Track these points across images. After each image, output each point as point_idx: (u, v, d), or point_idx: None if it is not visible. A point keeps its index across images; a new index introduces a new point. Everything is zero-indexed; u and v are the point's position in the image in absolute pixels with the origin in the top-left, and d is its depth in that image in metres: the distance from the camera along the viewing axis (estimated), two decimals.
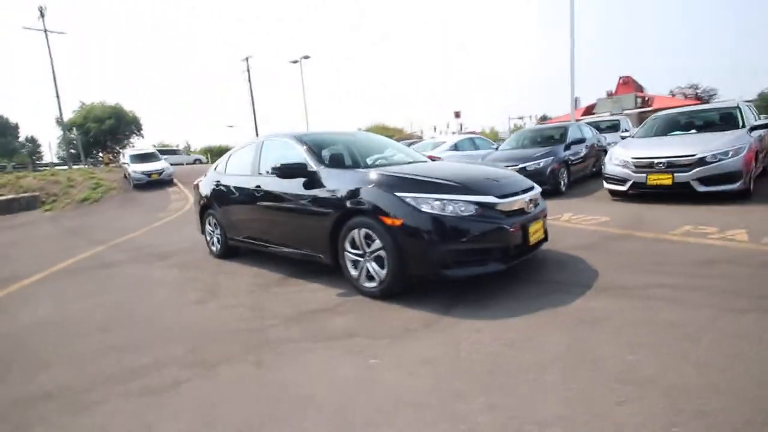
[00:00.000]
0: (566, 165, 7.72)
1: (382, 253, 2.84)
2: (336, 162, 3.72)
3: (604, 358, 1.91)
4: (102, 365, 2.36)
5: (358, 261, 3.06)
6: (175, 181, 17.05)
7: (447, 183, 2.86)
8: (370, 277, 3.00)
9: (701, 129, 6.42)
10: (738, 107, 6.39)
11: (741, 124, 5.99)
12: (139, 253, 5.69)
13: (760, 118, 6.75)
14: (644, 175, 5.68)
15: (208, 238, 5.06)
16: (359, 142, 4.40)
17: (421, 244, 2.68)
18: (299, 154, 3.69)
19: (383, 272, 2.87)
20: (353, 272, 3.11)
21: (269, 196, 3.87)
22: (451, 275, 2.66)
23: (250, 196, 4.14)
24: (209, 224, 4.98)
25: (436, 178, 2.91)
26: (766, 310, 2.25)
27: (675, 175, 5.42)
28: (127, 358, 2.42)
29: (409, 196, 2.74)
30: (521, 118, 46.84)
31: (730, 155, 5.17)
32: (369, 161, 3.96)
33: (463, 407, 1.66)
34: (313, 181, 3.40)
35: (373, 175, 3.09)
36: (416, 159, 4.12)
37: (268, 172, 4.06)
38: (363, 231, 2.95)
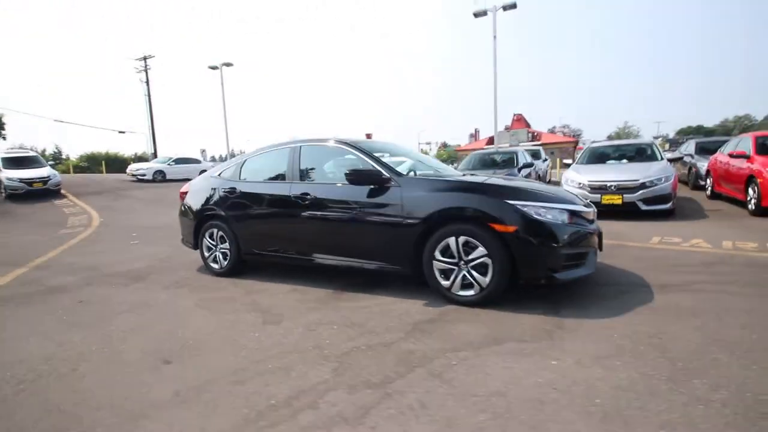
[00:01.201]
0: None
1: (486, 260, 2.88)
2: (408, 170, 3.64)
3: (736, 336, 2.25)
4: (264, 395, 1.92)
5: (451, 270, 3.04)
6: (63, 191, 14.31)
7: (542, 192, 3.06)
8: (466, 285, 3.00)
9: (629, 159, 7.88)
10: (652, 144, 8.03)
11: (659, 156, 7.54)
12: (95, 274, 4.66)
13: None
14: (599, 195, 6.71)
15: (207, 254, 4.40)
16: (399, 152, 4.40)
17: (535, 249, 2.80)
18: (362, 161, 3.54)
19: (486, 279, 2.90)
20: (444, 282, 3.06)
21: (322, 204, 3.59)
22: (561, 278, 2.82)
23: (287, 204, 3.77)
24: (209, 238, 4.35)
25: (531, 189, 3.09)
26: None
27: (624, 195, 6.54)
28: (279, 388, 2.01)
29: (519, 204, 2.86)
30: (428, 143, 50.66)
31: (663, 181, 6.46)
32: (419, 171, 3.97)
33: (686, 390, 1.80)
34: (385, 188, 3.29)
35: (473, 183, 3.18)
36: (452, 171, 4.28)
37: (310, 179, 3.80)
38: (462, 238, 2.96)
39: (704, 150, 10.09)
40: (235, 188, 4.21)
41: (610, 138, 48.21)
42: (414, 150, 4.80)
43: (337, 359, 2.30)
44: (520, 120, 34.01)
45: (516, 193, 2.93)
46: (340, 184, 3.56)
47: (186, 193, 4.71)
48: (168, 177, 18.74)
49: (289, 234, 3.84)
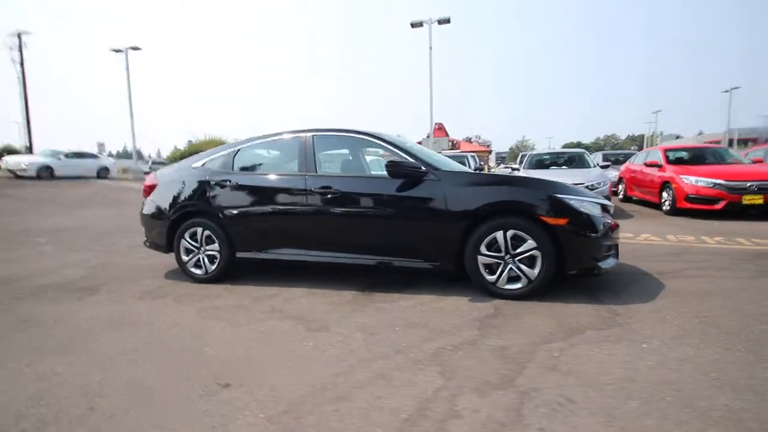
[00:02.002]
0: None
1: (534, 252, 2.90)
2: (442, 163, 3.49)
3: (758, 310, 2.59)
4: (387, 410, 1.60)
5: (497, 264, 3.00)
6: None
7: (574, 187, 3.20)
8: (513, 279, 2.99)
9: (568, 166, 8.80)
10: (583, 153, 9.10)
11: (591, 164, 8.56)
12: (21, 287, 3.67)
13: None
14: None
15: (186, 257, 3.73)
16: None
17: (583, 240, 2.90)
18: (392, 153, 3.34)
19: (534, 272, 2.92)
20: (489, 276, 3.01)
21: (348, 198, 3.29)
22: (603, 267, 2.97)
23: (304, 199, 3.39)
24: (190, 239, 3.70)
25: (569, 184, 3.21)
26: (757, 275, 3.47)
27: None
28: (396, 399, 1.71)
29: (566, 197, 2.94)
30: None
31: (602, 184, 7.33)
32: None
33: None
34: (422, 182, 3.14)
35: (518, 177, 3.22)
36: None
37: (329, 171, 3.48)
38: (511, 232, 2.94)
39: (607, 160, 11.82)
40: (228, 180, 3.64)
41: (512, 149, 53.66)
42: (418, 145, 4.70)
43: (433, 362, 2.09)
44: (441, 129, 35.94)
45: (561, 188, 3.03)
46: (368, 177, 3.31)
47: (153, 186, 3.95)
48: (57, 174, 15.74)
49: (306, 231, 3.43)
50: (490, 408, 1.67)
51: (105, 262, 4.64)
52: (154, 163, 32.38)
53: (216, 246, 3.64)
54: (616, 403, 1.69)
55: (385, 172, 3.21)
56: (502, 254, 2.98)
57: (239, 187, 3.60)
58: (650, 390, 1.77)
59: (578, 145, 71.39)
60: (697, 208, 6.87)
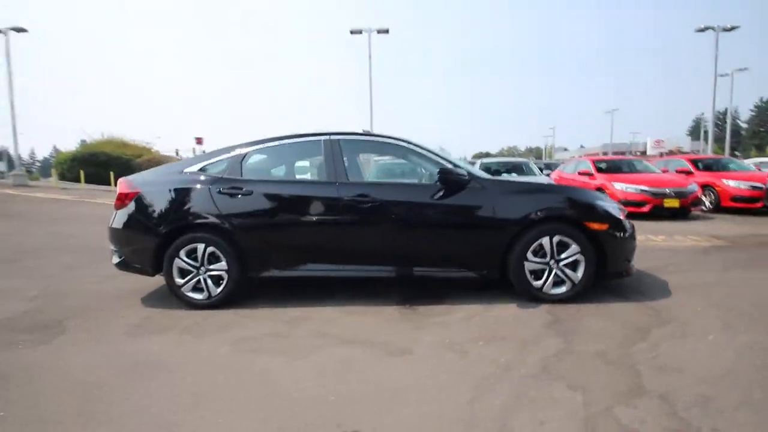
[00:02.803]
0: None
1: (578, 257, 3.01)
2: (476, 171, 3.42)
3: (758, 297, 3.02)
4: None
5: (542, 269, 3.05)
6: None
7: (606, 195, 3.41)
8: (557, 283, 3.06)
9: (517, 173, 9.48)
10: (529, 162, 9.91)
11: (536, 172, 9.35)
12: None
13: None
14: None
15: (182, 280, 3.11)
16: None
17: (620, 244, 3.08)
18: (429, 160, 3.20)
19: (578, 275, 3.03)
20: (535, 282, 3.04)
21: (388, 208, 3.06)
22: (633, 268, 3.20)
23: (337, 209, 3.07)
24: (187, 257, 3.11)
25: (601, 192, 3.40)
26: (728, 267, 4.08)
27: None
28: (561, 423, 1.56)
29: (605, 204, 3.11)
30: None
31: None
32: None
33: None
34: (466, 190, 3.06)
35: (561, 186, 3.28)
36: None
37: (360, 178, 3.21)
38: (557, 238, 3.01)
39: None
40: (240, 188, 3.14)
41: None
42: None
43: (553, 376, 2.01)
44: None
45: (599, 195, 3.20)
46: (407, 185, 3.13)
47: (130, 195, 3.23)
48: None
49: (339, 244, 3.10)
50: (651, 416, 1.65)
51: (47, 291, 3.68)
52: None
53: (223, 265, 3.10)
54: (746, 394, 1.80)
55: (428, 181, 3.07)
56: (548, 259, 3.04)
57: (256, 196, 3.12)
58: (759, 377, 1.93)
59: (488, 154, 77.86)
60: (629, 211, 7.90)
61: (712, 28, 15.66)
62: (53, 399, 1.92)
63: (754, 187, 8.03)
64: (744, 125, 67.36)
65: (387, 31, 16.29)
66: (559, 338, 2.45)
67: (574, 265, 3.04)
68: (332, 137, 3.27)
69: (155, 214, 3.15)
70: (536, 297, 3.06)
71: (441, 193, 3.08)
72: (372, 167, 3.55)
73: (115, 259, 3.33)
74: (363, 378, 2.06)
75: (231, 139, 4.32)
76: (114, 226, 3.28)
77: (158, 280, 3.64)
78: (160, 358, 2.34)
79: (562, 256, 3.03)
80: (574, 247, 3.01)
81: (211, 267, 3.11)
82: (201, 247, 3.09)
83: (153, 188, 3.24)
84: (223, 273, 3.11)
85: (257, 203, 3.12)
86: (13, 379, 2.13)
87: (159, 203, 3.18)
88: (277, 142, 3.37)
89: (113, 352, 2.44)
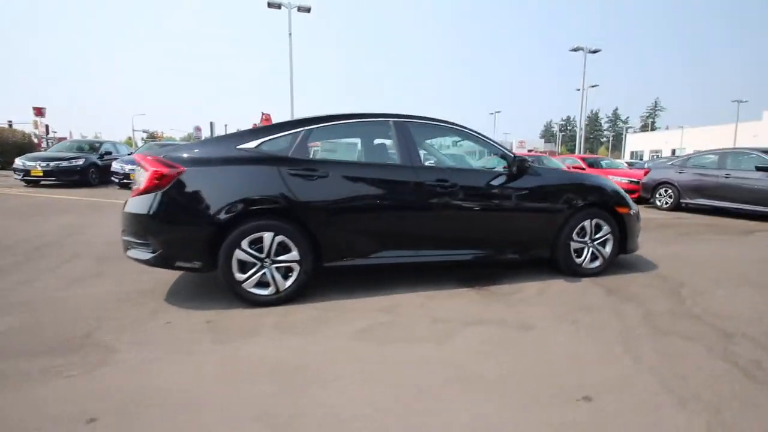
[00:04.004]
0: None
1: (608, 236, 3.56)
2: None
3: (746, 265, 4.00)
4: None
5: (581, 248, 3.51)
6: None
7: None
8: (594, 259, 3.57)
9: None
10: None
11: None
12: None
13: None
14: None
15: (242, 275, 2.71)
16: None
17: (637, 225, 3.71)
18: (488, 145, 3.38)
19: (607, 251, 3.58)
20: (577, 259, 3.50)
21: (465, 193, 3.14)
22: (639, 245, 3.89)
23: (416, 193, 3.03)
24: (250, 248, 2.72)
25: None
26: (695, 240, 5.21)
27: None
28: None
29: (624, 193, 3.70)
30: (146, 132, 43.02)
31: None
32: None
33: None
34: (529, 177, 3.33)
35: (595, 177, 3.74)
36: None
37: (433, 162, 3.21)
38: (595, 221, 3.50)
39: None
40: (314, 170, 2.83)
41: None
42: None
43: (663, 332, 2.41)
44: (268, 119, 34.08)
45: (617, 186, 3.78)
46: (478, 170, 3.24)
47: (175, 174, 2.64)
48: None
49: (418, 229, 3.05)
50: (753, 350, 2.16)
51: (37, 298, 2.77)
52: None
53: (294, 255, 2.79)
54: None
55: (495, 167, 3.24)
56: (587, 239, 3.53)
57: (333, 179, 2.85)
58: None
59: None
60: None
61: (582, 49, 19.31)
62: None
63: (632, 181, 10.23)
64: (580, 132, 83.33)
65: (308, 10, 15.59)
66: (630, 303, 2.92)
67: (604, 243, 3.59)
68: (400, 119, 3.19)
69: (209, 198, 2.65)
70: (576, 272, 3.52)
71: (505, 179, 3.29)
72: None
73: (143, 254, 2.69)
74: (529, 351, 2.18)
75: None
76: (141, 212, 2.65)
77: (144, 276, 3.09)
78: (297, 360, 2.06)
79: (597, 236, 3.55)
80: (606, 228, 3.55)
81: (280, 258, 2.78)
82: (268, 236, 2.73)
83: (202, 167, 2.71)
84: (293, 264, 2.80)
85: (335, 187, 2.87)
86: (168, 415, 1.65)
87: (213, 185, 2.68)
88: (342, 121, 3.12)
89: (224, 360, 2.05)
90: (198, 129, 59.19)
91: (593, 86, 22.97)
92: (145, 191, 2.64)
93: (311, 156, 2.92)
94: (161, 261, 2.66)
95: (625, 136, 56.44)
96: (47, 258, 4.01)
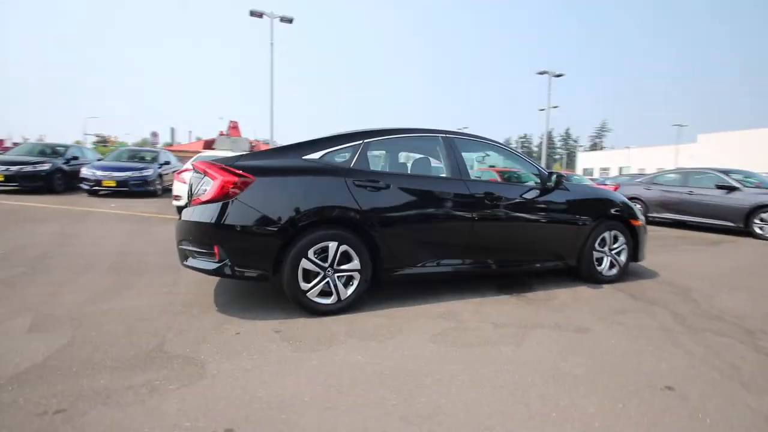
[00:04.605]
0: (160, 177, 11.26)
1: (624, 246, 3.91)
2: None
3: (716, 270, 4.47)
4: None
5: (601, 258, 3.83)
6: None
7: None
8: (611, 267, 3.89)
9: None
10: None
11: None
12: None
13: None
14: None
15: (307, 285, 2.74)
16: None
17: (645, 236, 4.09)
18: (520, 162, 3.64)
19: (622, 260, 3.92)
20: (598, 267, 3.80)
21: (507, 206, 3.36)
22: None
23: (467, 206, 3.20)
24: (315, 257, 2.75)
25: None
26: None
27: None
28: None
29: (635, 207, 4.07)
30: (97, 136, 40.56)
31: None
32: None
33: None
34: (557, 191, 3.61)
35: (611, 192, 4.06)
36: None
37: (476, 177, 3.40)
38: (613, 232, 3.83)
39: None
40: (377, 181, 2.93)
41: None
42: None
43: (695, 329, 2.72)
44: (236, 128, 33.22)
45: (627, 200, 4.16)
46: (516, 185, 3.48)
47: (247, 183, 2.63)
48: None
49: (467, 240, 3.21)
50: None
51: (73, 313, 2.61)
52: None
53: (355, 264, 2.85)
54: None
55: (530, 182, 3.50)
56: (605, 249, 3.86)
57: (394, 191, 2.96)
58: None
59: None
60: None
61: (547, 72, 20.81)
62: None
63: None
64: (535, 149, 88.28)
65: (291, 21, 15.59)
66: (656, 306, 3.23)
67: (619, 253, 3.93)
68: (449, 135, 3.37)
69: (280, 208, 2.67)
70: (598, 279, 3.83)
71: (539, 193, 3.55)
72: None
73: (208, 264, 2.65)
74: (596, 350, 2.38)
75: None
76: (207, 221, 2.61)
77: (178, 288, 3.05)
78: (394, 365, 2.13)
79: (615, 246, 3.89)
80: (622, 239, 3.91)
81: (343, 267, 2.83)
82: (333, 245, 2.78)
83: (272, 177, 2.72)
84: (354, 273, 2.86)
85: (396, 198, 2.98)
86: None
87: (283, 194, 2.70)
88: (396, 135, 3.25)
89: (323, 367, 2.08)
90: (155, 134, 56.53)
91: (554, 107, 24.59)
92: (214, 200, 2.62)
93: (370, 168, 3.01)
94: (228, 270, 2.63)
95: (577, 154, 60.37)
96: (57, 270, 3.75)
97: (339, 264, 2.82)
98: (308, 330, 2.57)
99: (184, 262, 2.77)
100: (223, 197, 2.62)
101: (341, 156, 2.97)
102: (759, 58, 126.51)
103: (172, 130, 40.53)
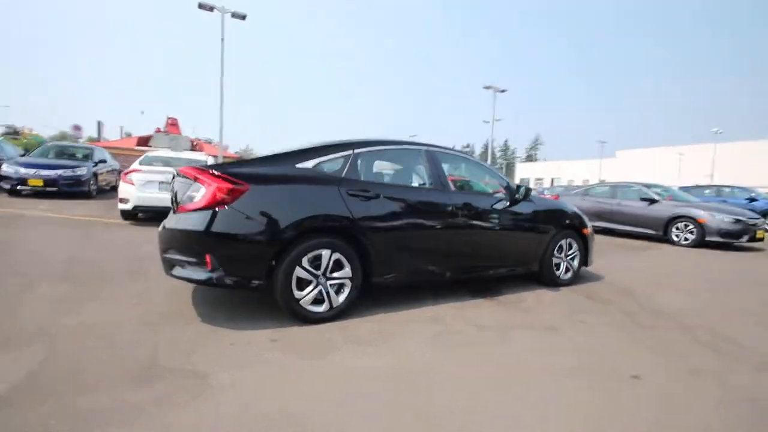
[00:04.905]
0: (95, 177, 10.42)
1: (577, 253, 4.35)
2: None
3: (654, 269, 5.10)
4: None
5: (559, 262, 4.24)
6: None
7: None
8: (567, 270, 4.31)
9: None
10: None
11: None
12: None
13: None
14: None
15: (301, 293, 2.77)
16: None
17: (593, 243, 4.58)
18: (494, 175, 3.93)
19: (575, 265, 4.36)
20: (557, 272, 4.20)
21: (481, 216, 3.61)
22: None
23: (447, 216, 3.40)
24: (309, 265, 2.79)
25: None
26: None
27: None
28: None
29: (585, 216, 4.55)
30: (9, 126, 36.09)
31: None
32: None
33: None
34: (520, 203, 3.94)
35: (566, 204, 4.47)
36: None
37: (456, 189, 3.63)
38: (568, 240, 4.26)
39: None
40: (368, 191, 3.01)
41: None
42: None
43: (653, 320, 3.14)
44: (174, 125, 31.07)
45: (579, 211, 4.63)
46: (489, 196, 3.74)
47: (242, 191, 2.59)
48: None
49: (447, 249, 3.40)
50: (706, 336, 2.99)
51: (41, 327, 2.38)
52: None
53: (347, 272, 2.92)
54: (716, 320, 3.40)
55: (498, 193, 3.81)
56: (562, 255, 4.28)
57: (383, 201, 3.06)
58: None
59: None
60: None
61: (492, 87, 22.26)
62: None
63: None
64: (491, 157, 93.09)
65: (244, 17, 15.08)
66: (610, 305, 3.65)
67: (573, 258, 4.38)
68: (430, 148, 3.56)
69: (276, 216, 2.66)
70: (556, 283, 4.23)
71: (509, 203, 3.86)
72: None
73: (199, 274, 2.57)
74: (569, 347, 2.67)
75: None
76: (198, 229, 2.55)
77: (153, 298, 2.99)
78: (403, 367, 2.24)
79: (569, 252, 4.33)
80: (575, 246, 4.35)
81: (334, 275, 2.89)
82: (326, 253, 2.83)
83: (267, 185, 2.71)
84: (345, 281, 2.93)
85: (385, 207, 3.09)
86: None
87: (279, 203, 2.70)
88: (382, 147, 3.37)
89: (335, 374, 2.14)
90: (77, 128, 51.15)
91: (498, 120, 26.22)
92: (206, 207, 2.55)
93: (361, 178, 3.10)
94: (221, 280, 2.57)
95: (516, 165, 64.58)
96: (4, 279, 3.37)
97: (331, 272, 2.87)
98: (304, 338, 2.59)
99: (171, 272, 2.66)
100: (215, 204, 2.56)
101: (333, 165, 3.03)
102: (673, 82, 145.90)
103: (99, 124, 36.75)
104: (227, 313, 2.93)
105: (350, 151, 3.14)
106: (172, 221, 2.69)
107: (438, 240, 3.39)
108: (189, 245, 2.58)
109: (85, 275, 3.68)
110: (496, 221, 3.75)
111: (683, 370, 2.42)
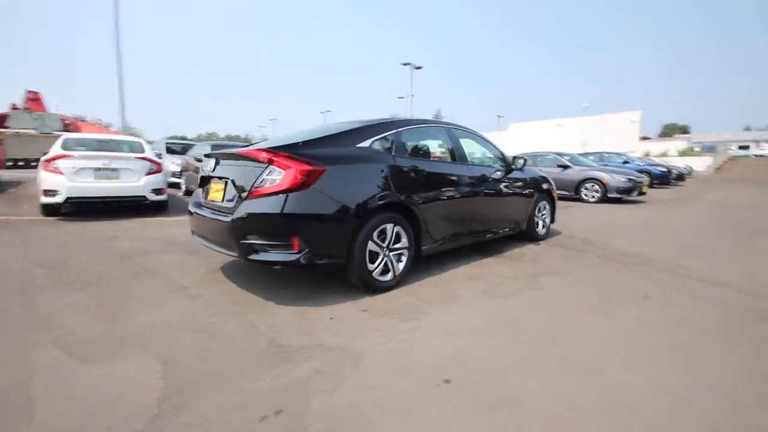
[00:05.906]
0: None
1: (547, 211, 5.18)
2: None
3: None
4: None
5: (539, 221, 5.02)
6: None
7: None
8: (543, 227, 5.12)
9: None
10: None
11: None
12: None
13: None
14: None
15: (372, 266, 2.98)
16: None
17: (555, 204, 5.45)
18: (491, 148, 4.45)
19: (548, 222, 5.20)
20: (536, 229, 4.97)
21: (494, 185, 4.12)
22: None
23: (471, 186, 3.84)
24: (377, 239, 3.01)
25: None
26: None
27: None
28: None
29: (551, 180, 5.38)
30: None
31: None
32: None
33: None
34: (514, 170, 4.56)
35: (537, 170, 5.19)
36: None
37: (473, 162, 4.06)
38: (543, 202, 5.04)
39: None
40: (416, 166, 3.25)
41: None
42: None
43: (612, 266, 4.02)
44: (37, 100, 25.52)
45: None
46: (495, 168, 4.25)
47: (321, 172, 2.64)
48: None
49: (471, 216, 3.85)
50: (654, 270, 3.99)
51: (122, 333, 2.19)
52: None
53: (405, 242, 3.18)
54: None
55: (497, 163, 4.37)
56: (539, 215, 5.07)
57: (429, 175, 3.35)
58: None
59: (184, 138, 71.92)
60: None
61: (410, 64, 23.05)
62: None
63: None
64: None
65: None
66: (585, 253, 4.51)
67: (546, 218, 5.22)
68: (449, 126, 3.91)
69: (352, 194, 2.79)
70: (536, 238, 5.02)
71: (506, 173, 4.43)
72: None
73: (285, 256, 2.60)
74: (581, 285, 3.36)
75: None
76: (287, 211, 2.56)
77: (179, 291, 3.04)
78: (499, 315, 2.64)
79: (543, 212, 5.14)
80: (548, 207, 5.19)
81: (395, 246, 3.14)
82: (390, 226, 3.06)
83: (342, 165, 2.79)
84: (404, 251, 3.20)
85: (431, 181, 3.39)
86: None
87: (352, 182, 2.83)
88: (417, 126, 3.60)
89: (465, 320, 2.45)
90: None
91: (412, 95, 27.28)
92: (289, 190, 2.56)
93: (407, 154, 3.32)
94: (310, 260, 2.63)
95: None
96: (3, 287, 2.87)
97: (393, 243, 3.10)
98: (386, 305, 2.82)
99: (252, 257, 2.62)
100: (298, 187, 2.59)
101: (383, 143, 3.20)
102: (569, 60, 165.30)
103: None
104: (292, 293, 2.98)
105: (395, 130, 3.33)
106: (245, 207, 2.61)
107: (465, 208, 3.81)
108: (274, 228, 2.57)
109: (84, 278, 3.29)
110: (501, 188, 4.31)
111: (672, 289, 3.28)
